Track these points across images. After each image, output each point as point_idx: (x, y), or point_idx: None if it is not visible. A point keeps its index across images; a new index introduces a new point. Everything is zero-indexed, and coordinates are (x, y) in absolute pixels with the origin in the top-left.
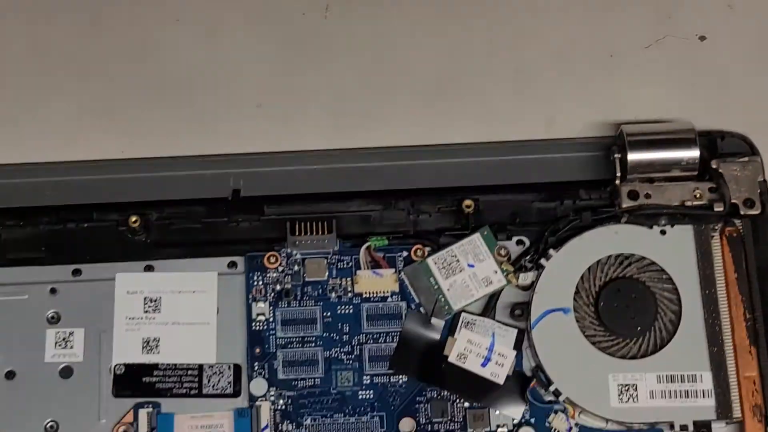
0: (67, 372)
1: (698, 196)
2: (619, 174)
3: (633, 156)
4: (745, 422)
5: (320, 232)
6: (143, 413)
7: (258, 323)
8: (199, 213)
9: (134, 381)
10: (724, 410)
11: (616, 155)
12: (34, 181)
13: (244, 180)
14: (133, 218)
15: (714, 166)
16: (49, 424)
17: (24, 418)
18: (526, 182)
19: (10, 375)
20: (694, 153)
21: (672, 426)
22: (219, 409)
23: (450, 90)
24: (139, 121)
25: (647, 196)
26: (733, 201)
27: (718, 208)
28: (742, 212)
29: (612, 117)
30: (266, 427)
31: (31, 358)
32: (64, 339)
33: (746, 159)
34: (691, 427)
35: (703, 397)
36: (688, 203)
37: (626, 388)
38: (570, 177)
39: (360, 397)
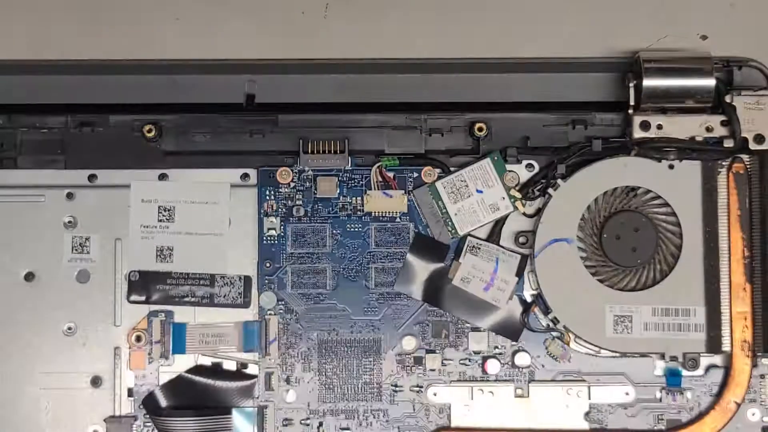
0: (84, 277)
1: (710, 128)
2: (633, 103)
3: (648, 83)
4: (733, 356)
5: (333, 151)
6: (156, 321)
7: (269, 237)
8: (214, 121)
9: (148, 288)
10: (713, 344)
11: (631, 83)
12: (50, 78)
13: (258, 85)
14: (147, 127)
15: (728, 100)
16: (67, 326)
17: (43, 320)
18: (539, 101)
19: (29, 277)
20: (709, 82)
21: (663, 356)
22: (229, 320)
23: (466, 4)
24: (161, 21)
25: (659, 127)
26: (743, 136)
27: (728, 143)
28: (751, 147)
29: (629, 45)
30: (274, 340)
31: (50, 261)
32: (80, 244)
33: (761, 92)
34: (680, 358)
35: (695, 331)
36: (699, 138)
37: (621, 319)
38: (583, 97)
39: (365, 314)
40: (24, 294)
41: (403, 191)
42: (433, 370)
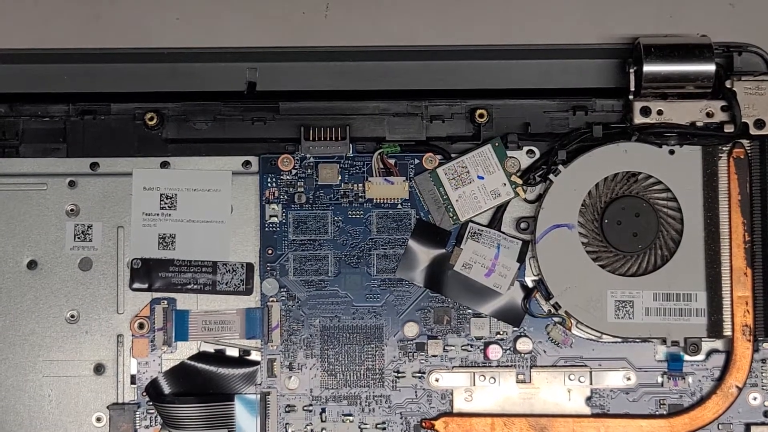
0: (86, 265)
1: (710, 114)
2: (633, 88)
3: (648, 68)
4: (735, 340)
5: (334, 138)
6: (159, 308)
7: (271, 225)
8: (215, 108)
9: (150, 275)
10: (715, 329)
11: (631, 69)
12: (52, 67)
13: (259, 73)
14: (149, 115)
15: (728, 85)
16: (70, 314)
17: (46, 308)
18: (540, 87)
19: (31, 265)
20: (709, 67)
21: (664, 341)
22: (231, 307)
23: None
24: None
25: (659, 112)
26: (744, 121)
27: (729, 128)
28: (751, 132)
29: (629, 31)
30: (276, 326)
31: (52, 249)
32: (82, 232)
33: (761, 78)
34: (681, 343)
35: (696, 315)
36: (699, 123)
37: (623, 304)
38: (584, 83)
39: (367, 301)
40: (26, 282)
41: (404, 178)
42: (435, 356)
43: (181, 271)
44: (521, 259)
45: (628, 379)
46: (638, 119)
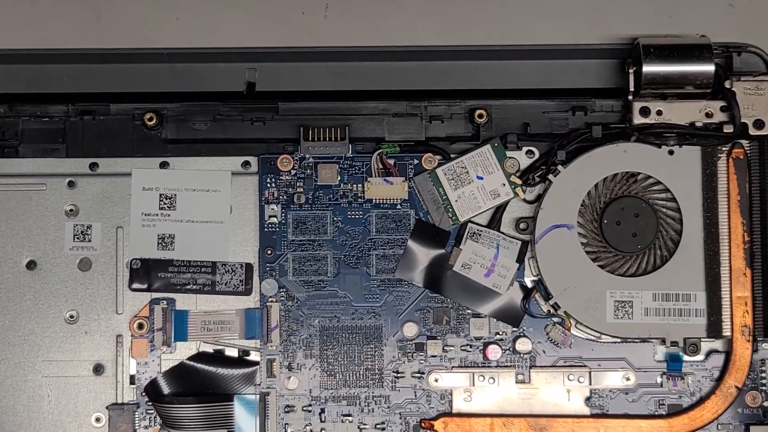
0: (85, 265)
1: (709, 114)
2: (632, 89)
3: (648, 69)
4: (734, 341)
5: (333, 139)
6: (158, 309)
7: (270, 225)
8: (214, 109)
9: (150, 276)
10: (714, 329)
11: (631, 69)
12: (51, 67)
13: (259, 73)
14: (148, 115)
15: (728, 86)
16: (69, 315)
17: (45, 309)
18: (539, 87)
19: (31, 265)
20: (708, 67)
21: (663, 341)
22: (231, 307)
23: None
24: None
25: (659, 113)
26: (743, 121)
27: (728, 129)
28: (751, 132)
29: (628, 31)
30: (275, 327)
31: (51, 249)
32: (82, 232)
33: (761, 78)
34: (681, 344)
35: (696, 316)
36: (699, 124)
37: (622, 304)
38: (583, 84)
39: (366, 301)
40: (26, 282)
41: (403, 178)
42: (434, 356)
43: (181, 272)
44: (520, 260)
45: (628, 379)
46: (637, 119)
